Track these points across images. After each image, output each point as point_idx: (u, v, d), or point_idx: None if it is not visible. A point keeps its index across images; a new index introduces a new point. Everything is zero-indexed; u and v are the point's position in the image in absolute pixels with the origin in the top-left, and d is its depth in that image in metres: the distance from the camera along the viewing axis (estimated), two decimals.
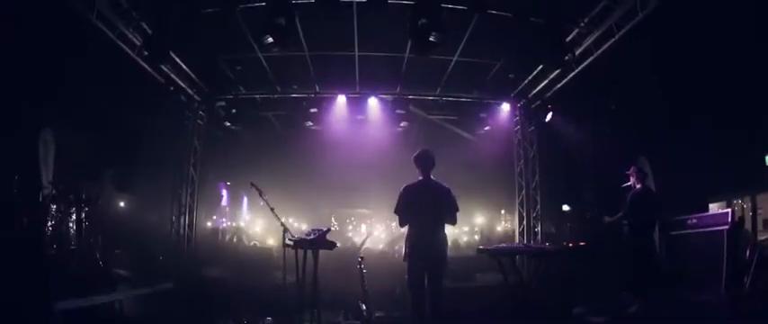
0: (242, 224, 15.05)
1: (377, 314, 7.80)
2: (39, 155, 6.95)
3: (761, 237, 7.08)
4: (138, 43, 6.90)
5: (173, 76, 8.19)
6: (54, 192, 6.68)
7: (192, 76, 8.82)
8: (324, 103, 9.83)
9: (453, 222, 6.18)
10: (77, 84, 6.95)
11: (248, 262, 9.62)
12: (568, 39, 7.37)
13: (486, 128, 9.83)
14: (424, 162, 6.35)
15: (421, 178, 6.31)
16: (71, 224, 6.86)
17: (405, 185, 6.34)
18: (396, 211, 6.22)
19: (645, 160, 9.22)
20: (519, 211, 10.08)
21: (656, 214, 7.67)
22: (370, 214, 22.05)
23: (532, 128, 9.96)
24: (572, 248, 5.98)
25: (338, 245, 6.53)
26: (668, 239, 8.01)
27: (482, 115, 9.86)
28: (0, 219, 5.64)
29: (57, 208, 6.62)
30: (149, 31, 6.69)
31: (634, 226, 7.44)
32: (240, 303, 7.36)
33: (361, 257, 6.88)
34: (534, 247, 6.15)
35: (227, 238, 12.49)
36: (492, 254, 6.66)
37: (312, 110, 9.73)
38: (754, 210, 7.29)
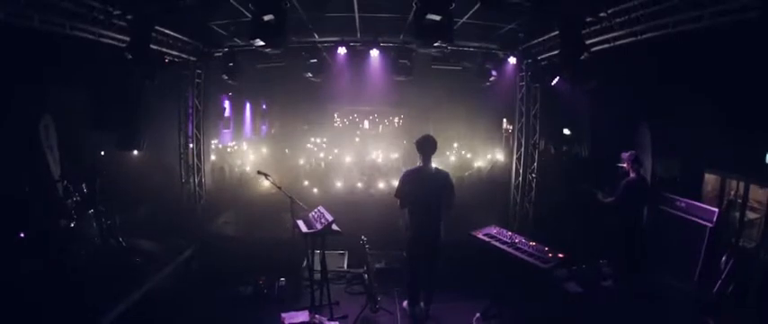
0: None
1: (377, 265, 8.51)
2: (43, 145, 7.00)
3: (750, 216, 7.33)
4: (124, 38, 6.59)
5: (164, 49, 7.84)
6: (65, 183, 6.86)
7: (185, 38, 8.43)
8: (323, 53, 9.46)
9: (451, 206, 6.60)
10: (70, 68, 6.81)
11: (258, 210, 10.17)
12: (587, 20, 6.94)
13: (492, 78, 9.57)
14: (426, 147, 6.62)
15: (420, 165, 6.61)
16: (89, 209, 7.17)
17: (405, 171, 6.72)
18: (396, 195, 6.65)
19: (645, 125, 9.18)
20: (516, 166, 10.25)
21: (645, 202, 7.94)
22: (372, 110, 22.20)
23: (537, 85, 9.70)
24: (552, 260, 6.35)
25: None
26: (656, 213, 8.31)
27: (487, 66, 9.54)
28: (16, 221, 5.94)
29: (71, 202, 6.84)
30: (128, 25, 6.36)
31: (624, 211, 7.71)
32: (255, 263, 8.06)
33: (364, 237, 7.35)
34: (521, 254, 6.50)
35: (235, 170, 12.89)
36: (481, 243, 7.11)
37: (312, 60, 9.40)
38: (746, 197, 7.43)
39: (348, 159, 15.05)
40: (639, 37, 6.54)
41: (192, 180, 9.60)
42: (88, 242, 7.03)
